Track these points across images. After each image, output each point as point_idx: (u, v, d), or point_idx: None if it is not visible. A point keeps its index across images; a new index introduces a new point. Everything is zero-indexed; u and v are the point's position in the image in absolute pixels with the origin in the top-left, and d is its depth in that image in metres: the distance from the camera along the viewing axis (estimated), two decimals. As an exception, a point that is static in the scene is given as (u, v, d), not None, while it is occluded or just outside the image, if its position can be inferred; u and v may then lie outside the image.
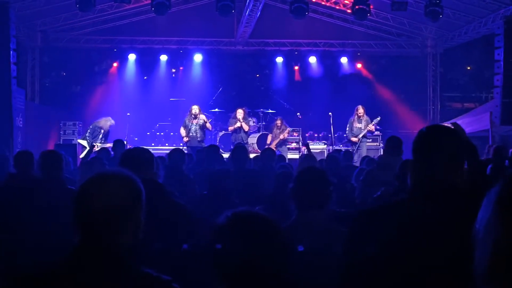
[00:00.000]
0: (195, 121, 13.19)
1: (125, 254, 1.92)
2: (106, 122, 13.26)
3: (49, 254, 3.86)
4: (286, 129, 14.28)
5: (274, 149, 13.26)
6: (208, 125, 13.33)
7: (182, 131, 13.41)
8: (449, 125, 4.77)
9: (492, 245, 0.99)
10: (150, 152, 3.69)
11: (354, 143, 13.36)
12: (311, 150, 15.00)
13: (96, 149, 12.76)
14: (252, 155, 9.72)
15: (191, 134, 13.16)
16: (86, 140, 13.12)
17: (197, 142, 12.98)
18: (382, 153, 12.32)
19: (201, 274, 1.97)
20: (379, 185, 5.11)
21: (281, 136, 14.15)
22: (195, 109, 13.30)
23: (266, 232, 1.85)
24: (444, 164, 2.20)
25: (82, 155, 12.46)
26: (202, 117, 13.28)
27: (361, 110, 13.47)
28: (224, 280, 1.81)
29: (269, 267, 1.80)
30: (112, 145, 12.84)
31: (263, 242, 1.81)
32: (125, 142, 10.55)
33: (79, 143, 13.62)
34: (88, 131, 13.40)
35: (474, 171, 3.16)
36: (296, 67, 18.86)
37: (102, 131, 13.09)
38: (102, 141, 13.05)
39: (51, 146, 14.70)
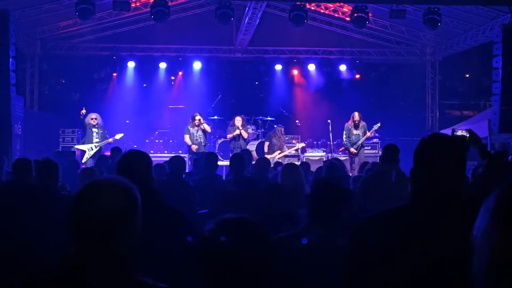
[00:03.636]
0: (197, 128, 13.22)
1: (120, 262, 1.92)
2: (86, 119, 13.04)
3: (41, 262, 3.86)
4: (296, 138, 14.45)
5: (279, 160, 13.22)
6: (205, 126, 13.30)
7: (188, 140, 13.30)
8: (465, 132, 4.81)
9: (489, 252, 0.99)
10: (148, 156, 3.69)
11: (353, 153, 13.37)
12: (310, 158, 15.10)
13: (91, 150, 12.73)
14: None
15: (196, 140, 13.17)
16: (83, 144, 13.07)
17: (203, 147, 13.01)
18: (379, 160, 12.32)
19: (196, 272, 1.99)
20: (376, 193, 5.12)
21: (291, 150, 14.21)
22: (198, 116, 13.29)
23: (252, 234, 1.88)
24: (445, 172, 2.21)
25: (84, 160, 12.46)
26: (207, 127, 13.34)
27: (357, 116, 13.43)
28: (211, 278, 1.84)
29: (254, 267, 1.83)
30: (114, 138, 12.94)
31: (249, 243, 1.84)
32: (122, 150, 10.50)
33: (77, 149, 13.54)
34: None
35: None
36: (296, 72, 18.88)
37: (94, 129, 12.93)
38: (100, 137, 12.94)
39: (50, 154, 14.68)
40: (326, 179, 3.62)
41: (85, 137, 13.13)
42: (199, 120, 13.17)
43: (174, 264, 3.22)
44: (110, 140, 12.97)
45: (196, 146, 13.10)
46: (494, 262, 0.98)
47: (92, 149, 12.84)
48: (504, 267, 0.96)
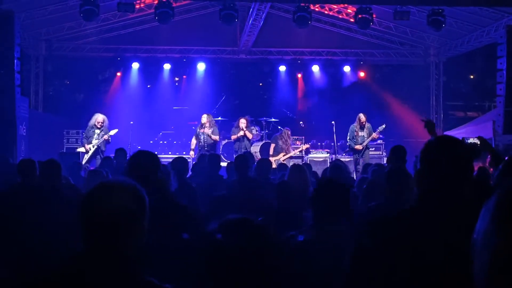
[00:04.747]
0: (202, 130, 13.19)
1: (127, 262, 1.94)
2: (92, 120, 13.02)
3: (48, 262, 3.88)
4: (300, 139, 14.41)
5: (283, 162, 13.19)
6: (213, 137, 13.27)
7: (192, 141, 13.39)
8: (476, 139, 4.84)
9: (489, 254, 0.99)
10: (156, 156, 3.78)
11: (357, 152, 13.28)
12: (314, 159, 15.09)
13: (90, 150, 12.71)
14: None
15: (200, 143, 13.18)
16: (84, 146, 13.04)
17: (205, 151, 12.94)
18: (385, 162, 12.29)
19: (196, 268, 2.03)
20: (382, 195, 5.10)
21: (296, 151, 14.19)
22: (203, 118, 13.29)
23: (255, 235, 1.89)
24: (451, 175, 2.21)
25: (84, 161, 12.43)
26: (211, 130, 13.21)
27: (363, 117, 13.40)
28: (214, 277, 1.85)
29: (257, 268, 1.84)
30: (109, 135, 12.87)
31: (252, 243, 1.85)
32: (126, 151, 10.48)
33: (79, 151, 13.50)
34: (84, 136, 13.36)
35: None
36: (299, 75, 18.90)
37: (96, 130, 12.89)
38: (100, 136, 12.90)
39: (54, 155, 14.70)
40: (329, 179, 3.65)
41: (85, 139, 13.03)
42: (203, 122, 13.16)
43: (181, 263, 3.24)
44: (106, 137, 12.80)
45: (192, 152, 13.14)
46: (495, 264, 0.98)
47: (90, 149, 12.80)
48: (504, 269, 0.96)
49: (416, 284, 2.05)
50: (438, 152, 2.27)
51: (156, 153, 14.55)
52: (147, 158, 3.69)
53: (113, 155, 10.30)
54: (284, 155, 13.75)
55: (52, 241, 4.12)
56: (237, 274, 1.82)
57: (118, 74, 18.47)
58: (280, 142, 13.87)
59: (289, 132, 14.11)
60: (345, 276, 2.26)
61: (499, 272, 0.97)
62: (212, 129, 13.18)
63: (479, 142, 4.88)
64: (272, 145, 14.00)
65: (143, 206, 2.02)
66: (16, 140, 11.87)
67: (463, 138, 5.02)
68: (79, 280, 1.86)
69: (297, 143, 15.73)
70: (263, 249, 1.87)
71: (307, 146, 15.05)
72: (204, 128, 13.15)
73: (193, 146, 13.35)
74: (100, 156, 12.58)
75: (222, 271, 1.83)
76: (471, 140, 4.81)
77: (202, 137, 13.14)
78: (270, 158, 12.46)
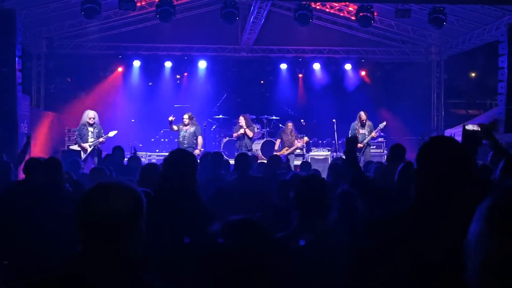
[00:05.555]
0: (185, 128, 13.21)
1: (126, 262, 1.95)
2: (83, 117, 12.92)
3: (48, 262, 3.90)
4: (302, 136, 14.45)
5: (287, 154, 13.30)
6: (199, 138, 13.31)
7: (174, 127, 13.44)
8: (476, 127, 4.79)
9: (482, 257, 1.00)
10: (192, 157, 3.79)
11: (358, 149, 13.27)
12: (315, 157, 15.09)
13: (88, 149, 12.66)
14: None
15: (180, 139, 13.24)
16: (78, 144, 12.91)
17: (184, 148, 12.93)
18: (385, 160, 12.29)
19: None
20: (382, 193, 5.11)
21: (299, 144, 14.21)
22: (185, 116, 13.37)
23: (255, 235, 1.91)
24: (448, 175, 2.22)
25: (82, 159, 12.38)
26: (193, 128, 13.23)
27: (363, 116, 13.44)
28: (215, 277, 1.86)
29: (256, 265, 1.85)
30: (107, 136, 12.83)
31: (254, 244, 1.87)
32: (124, 149, 10.45)
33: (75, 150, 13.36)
34: (76, 134, 13.23)
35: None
36: (300, 74, 18.91)
37: (90, 128, 12.79)
38: (95, 136, 12.74)
39: (56, 153, 14.72)
40: (304, 177, 3.68)
41: (78, 138, 12.86)
42: (184, 120, 13.19)
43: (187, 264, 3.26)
44: (101, 139, 12.73)
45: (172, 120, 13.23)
46: (487, 266, 0.98)
47: (88, 149, 12.73)
48: (496, 272, 0.97)
49: (416, 285, 2.06)
50: (435, 152, 2.28)
51: (157, 150, 14.52)
52: (185, 158, 3.64)
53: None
54: (286, 150, 13.87)
55: (54, 240, 4.13)
56: (238, 274, 1.84)
57: (120, 69, 18.44)
58: (284, 137, 14.11)
59: (291, 125, 14.24)
60: (345, 276, 2.27)
61: (491, 274, 0.98)
62: (194, 127, 13.20)
63: (479, 129, 4.82)
64: (278, 141, 14.21)
65: (140, 208, 2.02)
66: (18, 138, 11.87)
67: (463, 124, 4.96)
68: (79, 281, 1.87)
69: (298, 140, 15.74)
70: (264, 249, 1.88)
71: (306, 139, 15.02)
72: (187, 126, 13.19)
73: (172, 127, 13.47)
74: (98, 155, 12.55)
75: (223, 271, 1.84)
76: (470, 127, 4.74)
77: (182, 133, 13.18)
78: (276, 154, 12.59)
